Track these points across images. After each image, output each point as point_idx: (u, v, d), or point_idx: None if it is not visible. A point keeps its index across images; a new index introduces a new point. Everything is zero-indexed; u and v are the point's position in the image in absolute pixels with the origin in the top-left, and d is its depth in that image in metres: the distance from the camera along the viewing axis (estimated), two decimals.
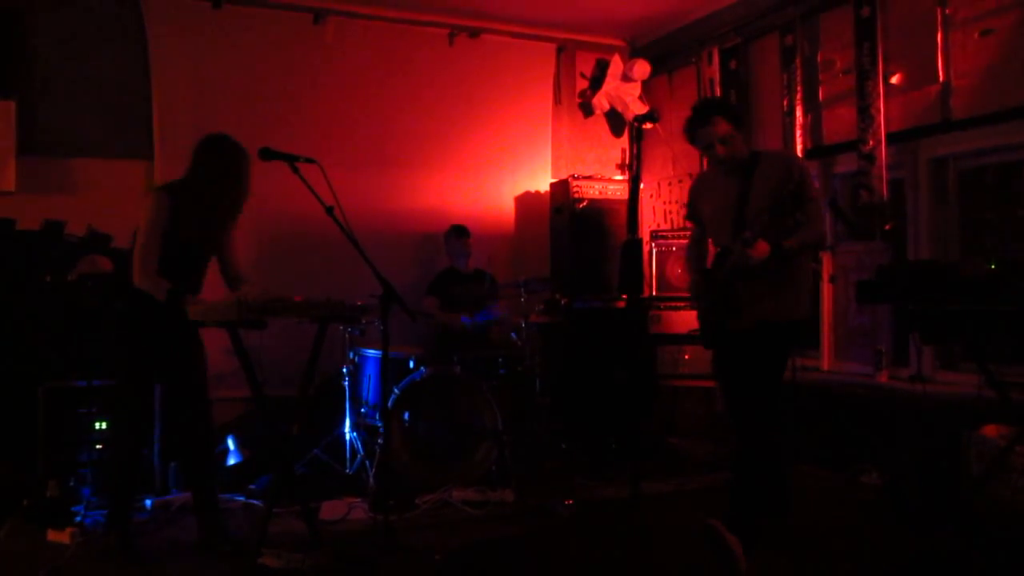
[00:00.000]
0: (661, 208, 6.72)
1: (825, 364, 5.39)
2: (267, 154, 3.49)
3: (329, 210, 3.47)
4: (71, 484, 4.26)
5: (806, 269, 3.61)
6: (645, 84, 6.72)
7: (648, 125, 3.85)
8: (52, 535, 3.83)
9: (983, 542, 3.53)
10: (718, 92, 6.00)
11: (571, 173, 6.41)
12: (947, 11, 4.54)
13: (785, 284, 3.47)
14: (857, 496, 4.31)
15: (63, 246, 4.69)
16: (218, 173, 3.59)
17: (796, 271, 3.49)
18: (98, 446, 4.38)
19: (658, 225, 6.60)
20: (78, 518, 4.01)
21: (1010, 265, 3.33)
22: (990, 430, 3.85)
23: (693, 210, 3.84)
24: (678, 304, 5.74)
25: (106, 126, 5.38)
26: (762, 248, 3.27)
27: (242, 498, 4.44)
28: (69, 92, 5.29)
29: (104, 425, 4.41)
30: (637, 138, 3.47)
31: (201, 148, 3.66)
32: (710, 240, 3.79)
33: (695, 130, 3.56)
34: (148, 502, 4.30)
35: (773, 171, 3.47)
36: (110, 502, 3.73)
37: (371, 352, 4.97)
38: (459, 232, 5.73)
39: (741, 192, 3.49)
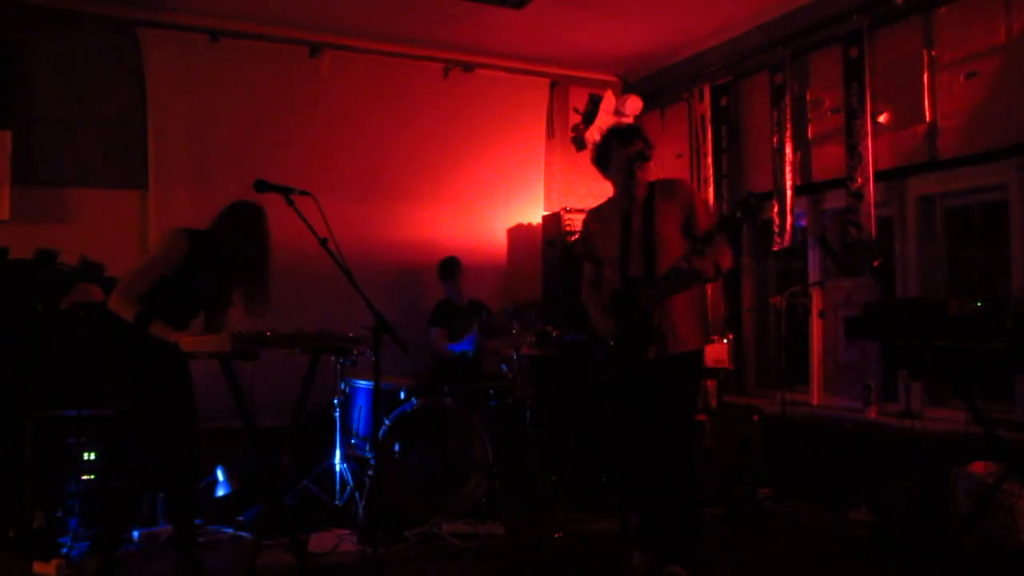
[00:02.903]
0: None
1: (814, 399, 5.41)
2: (262, 186, 3.52)
3: (323, 242, 3.49)
4: (58, 515, 4.22)
5: (704, 296, 3.66)
6: (637, 119, 6.80)
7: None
8: (38, 567, 3.79)
9: None
10: (709, 128, 6.09)
11: (563, 206, 6.47)
12: (933, 53, 4.63)
13: (697, 311, 3.54)
14: (846, 532, 4.31)
15: (56, 275, 4.68)
16: (242, 237, 3.64)
17: (702, 298, 3.57)
18: (84, 476, 4.35)
19: None
20: (64, 549, 3.98)
21: (996, 303, 3.37)
22: (978, 467, 3.87)
23: (589, 246, 3.78)
24: None
25: (101, 156, 5.41)
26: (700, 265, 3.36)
27: (230, 530, 4.41)
28: (65, 122, 5.32)
29: (93, 455, 4.38)
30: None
31: (234, 210, 3.69)
32: (608, 275, 3.69)
33: (621, 148, 3.54)
34: (136, 533, 4.27)
35: (676, 201, 3.53)
36: (104, 529, 3.70)
37: (362, 383, 4.96)
38: (446, 273, 5.66)
39: (647, 222, 3.51)
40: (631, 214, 3.56)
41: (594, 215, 3.87)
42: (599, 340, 3.66)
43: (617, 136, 3.61)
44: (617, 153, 3.57)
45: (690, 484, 3.52)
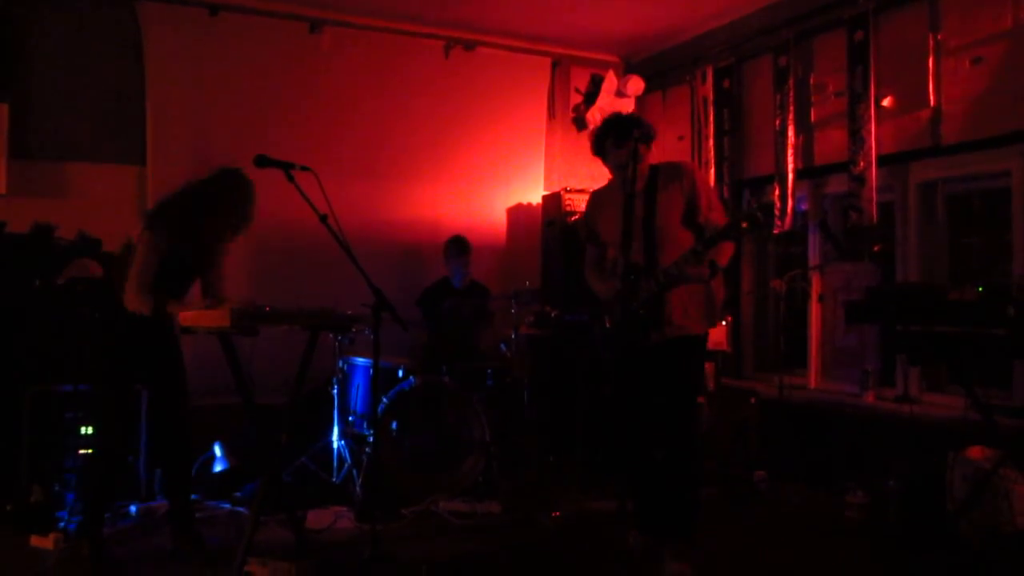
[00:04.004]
0: None
1: (812, 383, 5.42)
2: (263, 161, 3.49)
3: (323, 219, 3.47)
4: (55, 489, 4.24)
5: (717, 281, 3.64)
6: (639, 100, 6.77)
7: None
8: (35, 541, 3.80)
9: (967, 563, 3.56)
10: (711, 110, 6.05)
11: (564, 186, 6.45)
12: (939, 37, 4.60)
13: (701, 296, 3.55)
14: (841, 515, 4.33)
15: (53, 250, 4.66)
16: (210, 201, 3.64)
17: (707, 283, 3.55)
18: (82, 451, 4.35)
19: None
20: (62, 524, 3.99)
21: (997, 290, 3.37)
22: (975, 452, 3.89)
23: (592, 227, 3.80)
24: None
25: (99, 130, 5.37)
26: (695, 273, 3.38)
27: (228, 505, 4.43)
28: (63, 96, 5.27)
29: (90, 430, 4.38)
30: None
31: (210, 178, 3.70)
32: (611, 255, 3.70)
33: (615, 148, 3.55)
34: (133, 508, 4.29)
35: (679, 187, 3.54)
36: (85, 508, 3.74)
37: (360, 361, 4.96)
38: (457, 249, 5.62)
39: (648, 207, 3.52)
40: (632, 199, 3.52)
41: (596, 198, 3.87)
42: (603, 319, 3.66)
43: (613, 134, 3.58)
44: (613, 152, 3.58)
45: (692, 465, 3.56)
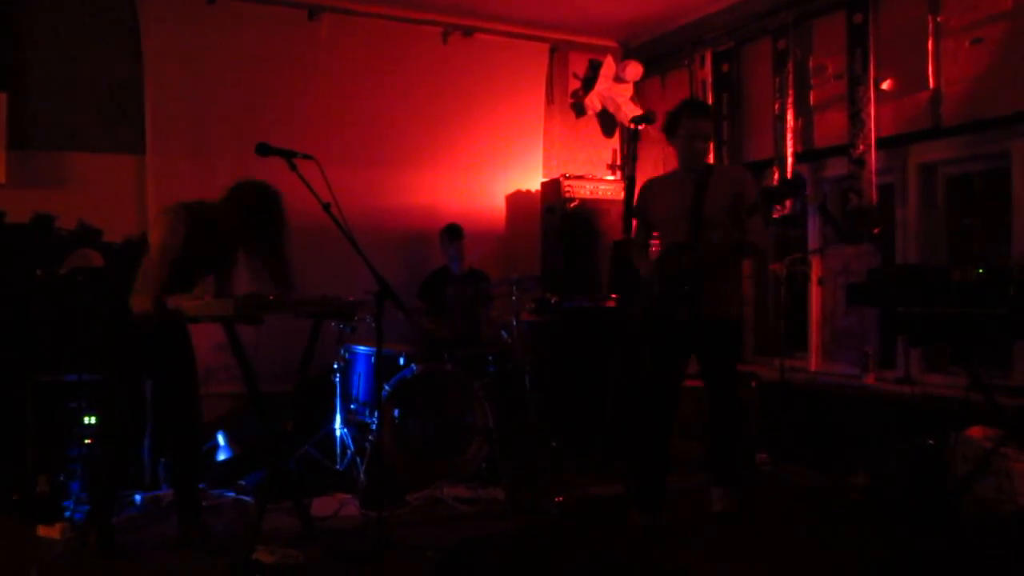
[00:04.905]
0: None
1: (813, 365, 5.44)
2: (264, 150, 3.49)
3: (326, 207, 3.47)
4: (61, 479, 4.23)
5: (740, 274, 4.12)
6: (637, 85, 6.76)
7: (643, 127, 3.91)
8: (42, 530, 3.82)
9: (967, 542, 3.59)
10: (710, 94, 6.04)
11: (562, 173, 6.44)
12: (939, 19, 4.59)
13: (734, 283, 3.97)
14: (844, 496, 4.36)
15: (53, 240, 4.65)
16: (244, 216, 3.56)
17: (738, 274, 4.03)
18: (87, 441, 4.36)
19: None
20: (68, 513, 4.00)
21: (997, 271, 3.39)
22: (976, 432, 3.91)
23: (643, 212, 4.09)
24: None
25: (98, 120, 5.35)
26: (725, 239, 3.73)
27: (232, 494, 4.44)
28: (62, 85, 5.25)
29: (94, 420, 4.39)
30: (633, 140, 3.48)
31: (234, 195, 3.60)
32: (656, 239, 4.12)
33: (690, 119, 3.83)
34: (138, 497, 4.30)
35: (730, 182, 3.88)
36: (93, 497, 3.75)
37: (362, 349, 4.97)
38: (451, 235, 5.63)
39: (698, 195, 3.79)
40: (687, 186, 3.82)
41: (653, 181, 4.12)
42: (645, 299, 3.94)
43: (689, 108, 3.91)
44: (685, 124, 3.85)
45: (739, 421, 4.07)
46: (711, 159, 4.79)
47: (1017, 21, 4.24)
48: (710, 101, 6.04)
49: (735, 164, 5.90)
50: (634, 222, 4.20)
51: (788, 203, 5.35)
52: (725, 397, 3.93)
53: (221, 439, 4.91)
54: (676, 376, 3.93)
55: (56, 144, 5.23)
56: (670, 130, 3.92)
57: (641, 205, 4.09)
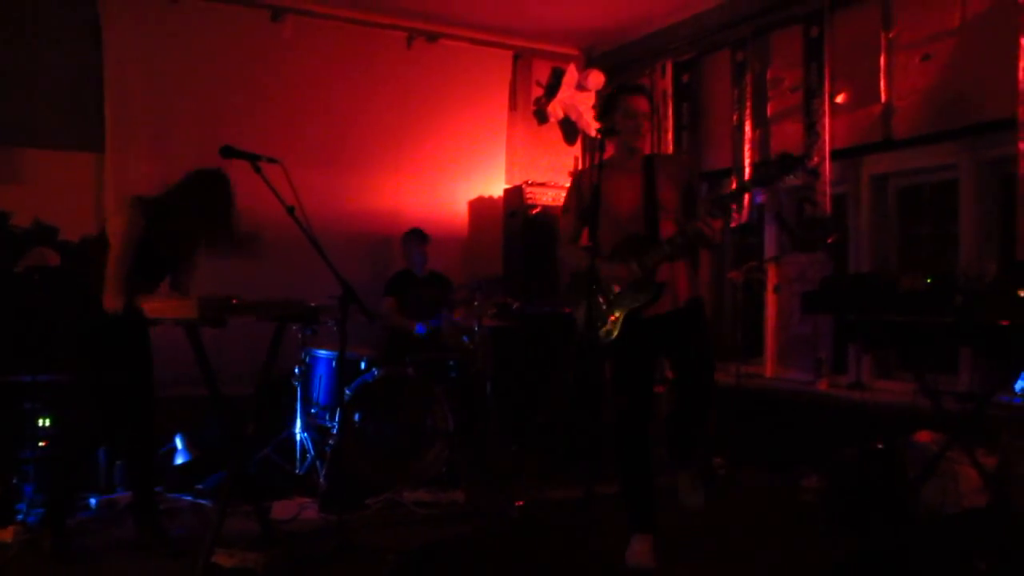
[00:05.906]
0: None
1: (768, 371, 5.55)
2: (229, 152, 3.48)
3: (290, 210, 3.47)
4: (14, 481, 4.16)
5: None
6: (599, 94, 6.84)
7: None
8: None
9: (915, 542, 3.70)
10: (670, 104, 6.14)
11: (525, 179, 6.50)
12: (891, 35, 4.74)
13: (695, 265, 3.71)
14: (796, 499, 4.45)
15: (8, 238, 4.57)
16: (200, 207, 3.58)
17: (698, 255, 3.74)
18: (42, 443, 4.29)
19: None
20: (20, 516, 3.93)
21: (945, 280, 3.51)
22: (924, 436, 4.03)
23: (580, 205, 3.65)
24: None
25: (56, 117, 5.27)
26: (716, 225, 3.47)
27: (190, 497, 4.40)
28: (19, 81, 5.16)
29: (47, 422, 4.32)
30: (600, 148, 3.51)
31: (190, 182, 3.62)
32: (603, 233, 3.54)
33: (626, 97, 3.55)
34: (93, 501, 4.24)
35: (678, 169, 3.67)
36: (48, 500, 3.70)
37: (323, 353, 4.95)
38: (420, 238, 5.69)
39: (648, 185, 3.54)
40: (634, 176, 3.56)
41: (599, 172, 3.50)
42: (583, 302, 3.58)
43: (623, 87, 3.66)
44: (623, 102, 3.55)
45: (711, 410, 3.73)
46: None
47: (964, 37, 4.40)
48: (670, 111, 6.14)
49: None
50: (566, 217, 3.75)
51: (745, 212, 5.46)
52: (707, 381, 3.58)
53: (179, 442, 4.85)
54: (649, 381, 3.65)
55: (12, 140, 5.15)
56: (606, 110, 3.61)
57: (578, 199, 3.66)
